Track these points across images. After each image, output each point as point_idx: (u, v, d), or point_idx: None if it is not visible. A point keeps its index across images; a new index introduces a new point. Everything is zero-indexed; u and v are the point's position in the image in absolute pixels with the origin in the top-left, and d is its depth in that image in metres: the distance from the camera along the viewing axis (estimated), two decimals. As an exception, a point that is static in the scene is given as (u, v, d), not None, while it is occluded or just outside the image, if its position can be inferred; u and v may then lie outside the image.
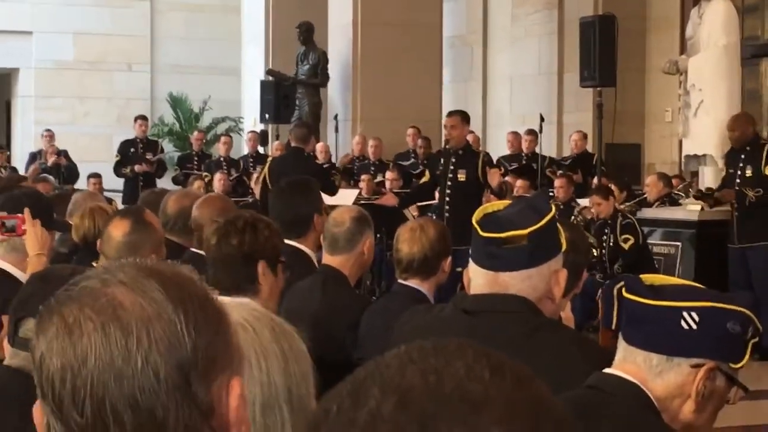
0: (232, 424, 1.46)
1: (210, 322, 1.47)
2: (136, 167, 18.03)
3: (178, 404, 1.42)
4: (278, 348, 1.95)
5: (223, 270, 4.13)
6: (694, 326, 2.58)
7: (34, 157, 19.40)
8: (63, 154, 18.55)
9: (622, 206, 12.72)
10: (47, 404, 1.45)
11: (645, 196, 13.51)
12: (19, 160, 20.85)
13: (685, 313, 2.58)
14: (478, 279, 3.18)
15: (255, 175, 15.01)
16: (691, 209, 12.05)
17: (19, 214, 4.72)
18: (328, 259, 5.41)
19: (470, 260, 3.23)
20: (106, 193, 14.96)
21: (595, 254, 11.75)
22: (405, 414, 0.93)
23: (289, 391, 2.00)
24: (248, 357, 1.76)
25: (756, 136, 11.43)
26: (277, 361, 1.94)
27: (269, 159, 14.30)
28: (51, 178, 15.11)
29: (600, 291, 11.30)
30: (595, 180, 13.86)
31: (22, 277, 4.65)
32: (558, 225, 3.25)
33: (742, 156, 11.24)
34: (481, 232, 3.12)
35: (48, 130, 19.18)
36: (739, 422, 7.67)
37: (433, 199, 12.42)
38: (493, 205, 3.31)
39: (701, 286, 2.79)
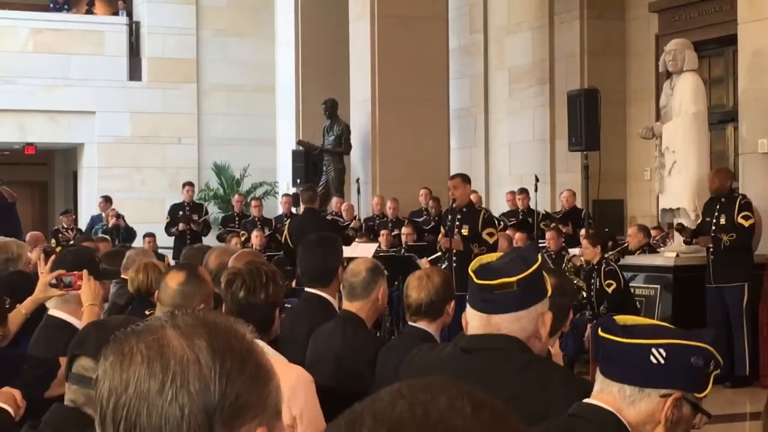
0: None
1: (246, 374, 1.45)
2: (180, 226, 18.08)
3: None
4: None
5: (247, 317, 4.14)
6: (662, 361, 2.57)
7: (94, 219, 19.50)
8: (121, 217, 18.64)
9: (607, 254, 12.69)
10: (97, 417, 1.46)
11: (627, 245, 13.48)
12: (84, 223, 20.94)
13: (653, 350, 2.57)
14: (473, 321, 3.19)
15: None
16: (667, 256, 12.03)
17: (76, 272, 4.73)
18: (347, 305, 5.39)
19: (467, 305, 3.23)
20: (160, 250, 15.03)
21: (584, 296, 11.72)
22: None
23: None
24: None
25: (731, 189, 11.41)
26: None
27: (287, 221, 14.38)
28: (108, 237, 15.19)
29: (589, 328, 11.32)
30: (583, 231, 13.84)
31: (78, 324, 4.65)
32: (544, 273, 3.25)
33: (718, 206, 11.22)
34: (476, 280, 3.14)
35: (103, 197, 19.28)
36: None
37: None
38: (487, 256, 3.33)
39: (669, 325, 2.79)
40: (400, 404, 0.97)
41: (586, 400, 2.66)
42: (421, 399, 0.97)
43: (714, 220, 11.20)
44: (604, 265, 11.72)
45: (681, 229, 11.61)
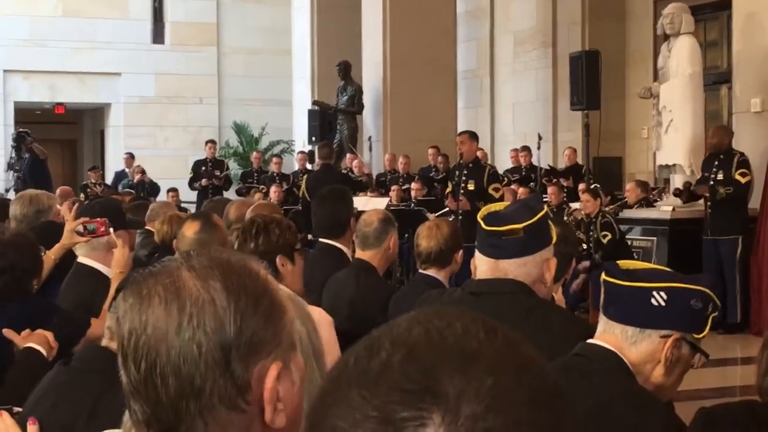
0: (266, 401, 1.43)
1: (260, 312, 1.44)
2: (203, 181, 18.13)
3: (216, 377, 1.40)
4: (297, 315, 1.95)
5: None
6: (663, 303, 2.56)
7: (118, 175, 19.54)
8: (144, 172, 18.68)
9: (606, 208, 12.68)
10: (119, 357, 1.45)
11: (626, 199, 13.46)
12: (111, 178, 20.97)
13: (654, 293, 2.56)
14: (482, 266, 3.18)
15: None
16: (663, 210, 12.01)
17: (98, 219, 4.71)
18: (359, 253, 5.39)
19: (476, 250, 3.22)
20: (182, 204, 15.04)
21: (584, 247, 11.72)
22: (411, 363, 0.93)
23: (312, 346, 2.03)
24: None
25: (730, 146, 11.36)
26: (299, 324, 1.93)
27: (304, 176, 14.40)
28: (133, 192, 15.21)
29: (581, 277, 11.43)
30: (582, 185, 13.81)
31: (106, 271, 4.64)
32: (549, 221, 3.23)
33: (716, 162, 11.17)
34: (484, 226, 3.13)
35: (127, 153, 19.31)
36: (710, 385, 7.63)
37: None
38: (495, 205, 3.31)
39: (669, 269, 2.76)
40: (416, 329, 0.97)
41: (589, 341, 2.65)
42: (436, 324, 0.97)
43: (712, 176, 11.16)
44: (600, 218, 11.74)
45: (678, 194, 11.60)
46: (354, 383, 0.93)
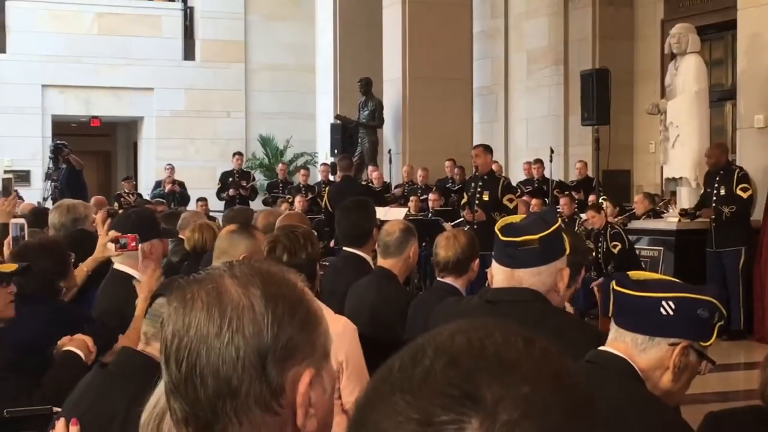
0: (298, 405, 1.44)
1: (296, 319, 1.45)
2: (230, 191, 18.19)
3: (252, 379, 1.41)
4: None
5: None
6: (671, 312, 2.56)
7: (157, 184, 19.61)
8: (179, 183, 18.73)
9: (614, 219, 12.65)
10: (162, 357, 1.47)
11: (634, 211, 13.43)
12: (143, 188, 21.04)
13: (663, 302, 2.56)
14: (498, 275, 3.19)
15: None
16: (670, 221, 12.00)
17: (129, 234, 4.74)
18: (381, 262, 5.40)
19: (493, 260, 3.23)
20: (210, 213, 15.08)
21: (593, 257, 11.70)
22: (453, 369, 0.94)
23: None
24: None
25: (728, 162, 11.36)
26: None
27: (326, 187, 14.41)
28: (165, 201, 15.25)
29: (595, 285, 11.32)
30: (592, 198, 13.80)
31: (141, 277, 4.66)
32: (563, 233, 3.23)
33: (717, 178, 11.17)
34: (501, 237, 3.14)
35: (169, 164, 19.36)
36: (714, 389, 7.61)
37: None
38: (512, 217, 3.32)
39: (678, 280, 2.76)
40: (458, 338, 0.98)
41: (600, 348, 2.65)
42: (477, 334, 0.99)
43: (714, 192, 11.15)
44: (609, 229, 11.71)
45: (684, 214, 11.61)
46: (398, 388, 0.94)
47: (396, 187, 16.61)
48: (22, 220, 5.67)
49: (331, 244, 11.82)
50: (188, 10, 23.48)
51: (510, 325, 1.00)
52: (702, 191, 11.53)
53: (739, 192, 10.96)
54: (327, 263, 8.03)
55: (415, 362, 0.96)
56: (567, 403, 0.94)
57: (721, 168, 11.19)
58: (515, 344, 0.97)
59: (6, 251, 5.27)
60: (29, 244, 4.92)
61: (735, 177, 11.06)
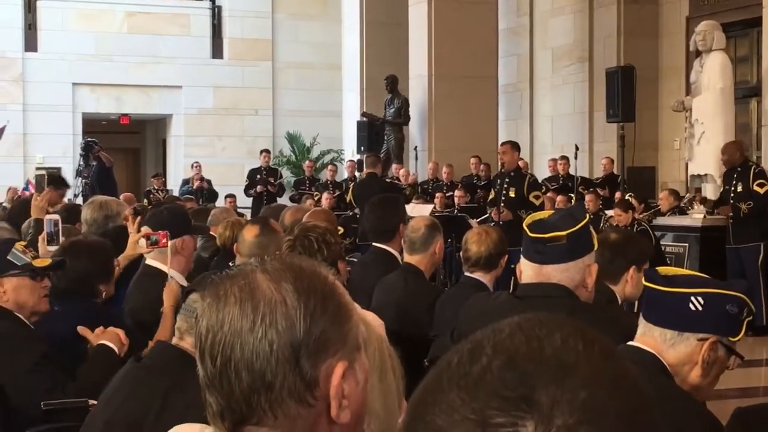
0: (332, 397, 1.44)
1: (328, 314, 1.45)
2: (258, 188, 18.23)
3: (285, 372, 1.42)
4: None
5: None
6: (700, 308, 2.55)
7: (185, 182, 19.68)
8: (206, 181, 18.80)
9: (640, 215, 12.59)
10: (197, 352, 1.48)
11: (659, 207, 13.37)
12: (172, 184, 21.12)
13: (692, 298, 2.55)
14: (527, 271, 3.18)
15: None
16: (695, 217, 11.93)
17: (160, 231, 4.74)
18: (407, 257, 5.39)
19: (521, 256, 3.22)
20: (238, 210, 15.12)
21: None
22: (510, 371, 0.92)
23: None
24: None
25: (745, 159, 11.30)
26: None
27: (352, 184, 14.40)
28: (193, 197, 15.31)
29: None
30: (618, 194, 13.74)
31: (172, 272, 4.68)
32: (591, 229, 3.22)
33: (735, 175, 11.13)
34: (530, 233, 3.13)
35: (197, 162, 19.42)
36: (737, 385, 7.56)
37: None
38: (540, 213, 3.31)
39: (706, 275, 2.75)
40: (518, 336, 0.96)
41: (629, 343, 2.64)
42: (537, 333, 0.96)
43: (732, 188, 11.12)
44: (636, 226, 11.66)
45: (704, 201, 11.57)
46: (455, 385, 0.93)
47: (421, 183, 16.59)
48: (56, 216, 5.68)
49: (356, 240, 11.83)
50: (216, 9, 23.52)
51: (573, 324, 0.98)
52: (722, 189, 11.48)
53: (756, 188, 10.93)
54: (354, 259, 8.04)
55: (473, 359, 0.95)
56: (624, 409, 0.92)
57: (737, 165, 11.15)
58: (575, 346, 0.95)
59: (41, 247, 5.30)
60: (79, 242, 4.95)
61: (751, 173, 11.05)
